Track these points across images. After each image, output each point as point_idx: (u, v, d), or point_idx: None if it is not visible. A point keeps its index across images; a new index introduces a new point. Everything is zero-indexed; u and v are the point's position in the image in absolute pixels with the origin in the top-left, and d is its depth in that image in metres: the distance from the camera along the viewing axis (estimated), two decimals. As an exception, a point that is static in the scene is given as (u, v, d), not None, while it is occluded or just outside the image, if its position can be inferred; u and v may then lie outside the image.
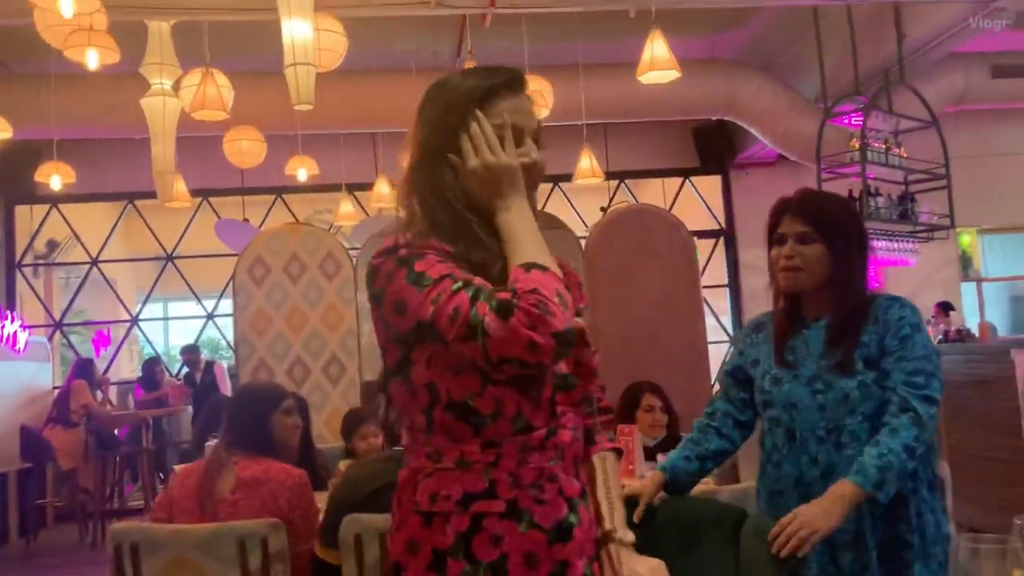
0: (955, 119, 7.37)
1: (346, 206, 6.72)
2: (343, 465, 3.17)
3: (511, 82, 1.30)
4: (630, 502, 1.71)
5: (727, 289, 9.03)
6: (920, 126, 6.38)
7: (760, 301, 8.89)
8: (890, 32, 5.99)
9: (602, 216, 6.55)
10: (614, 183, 8.86)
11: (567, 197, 8.73)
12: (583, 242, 5.36)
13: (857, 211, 1.99)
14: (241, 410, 2.52)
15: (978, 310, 9.24)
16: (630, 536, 1.34)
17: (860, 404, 1.79)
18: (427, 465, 1.23)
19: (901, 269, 6.93)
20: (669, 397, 3.48)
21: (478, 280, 1.16)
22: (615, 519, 1.34)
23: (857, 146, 6.08)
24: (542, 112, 4.93)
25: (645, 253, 4.96)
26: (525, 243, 1.20)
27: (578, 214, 8.67)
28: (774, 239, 1.89)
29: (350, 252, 5.24)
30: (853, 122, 6.40)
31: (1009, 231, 9.66)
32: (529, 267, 1.16)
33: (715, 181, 9.08)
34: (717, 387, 2.19)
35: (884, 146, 6.18)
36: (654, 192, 9.26)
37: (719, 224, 9.07)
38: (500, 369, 1.14)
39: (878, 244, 6.34)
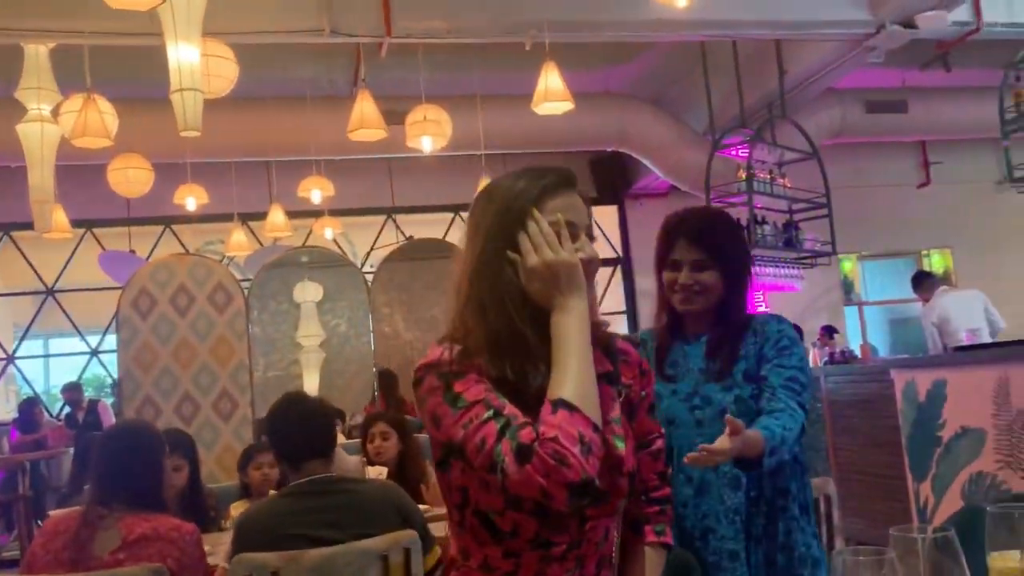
0: (834, 151, 7.77)
1: (238, 236, 6.56)
2: (235, 509, 3.05)
3: (562, 181, 1.29)
4: None
5: (624, 316, 9.21)
6: (802, 158, 6.69)
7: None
8: (772, 68, 6.29)
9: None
10: (514, 212, 8.93)
11: (467, 227, 8.75)
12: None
13: (741, 233, 2.02)
14: (124, 457, 2.24)
15: (860, 332, 9.70)
16: None
17: (741, 418, 1.77)
18: (458, 559, 1.29)
19: (787, 294, 7.22)
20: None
21: (509, 410, 1.16)
22: None
23: (744, 176, 6.32)
24: (439, 142, 4.95)
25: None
26: (569, 357, 1.18)
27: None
28: (668, 263, 1.89)
29: (242, 283, 5.09)
30: (740, 154, 6.68)
31: (886, 257, 10.22)
32: (557, 406, 1.14)
33: (612, 211, 9.29)
34: None
35: (769, 177, 6.45)
36: (553, 222, 9.37)
37: (616, 252, 9.27)
38: (517, 505, 1.17)
39: (765, 271, 6.59)
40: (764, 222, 6.45)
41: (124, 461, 2.23)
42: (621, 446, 1.26)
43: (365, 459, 3.32)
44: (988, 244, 9.88)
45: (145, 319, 4.66)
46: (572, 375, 1.16)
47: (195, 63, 3.46)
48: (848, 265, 10.07)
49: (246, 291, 4.90)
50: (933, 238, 10.04)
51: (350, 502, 2.25)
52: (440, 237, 8.10)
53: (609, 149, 7.93)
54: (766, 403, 1.77)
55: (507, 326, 1.21)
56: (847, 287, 10.05)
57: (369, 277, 7.48)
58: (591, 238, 1.29)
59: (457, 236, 8.16)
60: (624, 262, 9.27)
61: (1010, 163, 5.40)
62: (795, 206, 6.81)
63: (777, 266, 6.77)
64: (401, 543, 2.21)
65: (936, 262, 10.29)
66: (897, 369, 4.59)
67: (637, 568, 1.43)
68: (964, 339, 5.50)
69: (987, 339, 5.82)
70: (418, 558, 2.23)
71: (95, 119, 4.00)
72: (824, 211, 6.74)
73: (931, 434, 4.23)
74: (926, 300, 6.69)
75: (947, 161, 9.90)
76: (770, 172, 6.51)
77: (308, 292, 7.42)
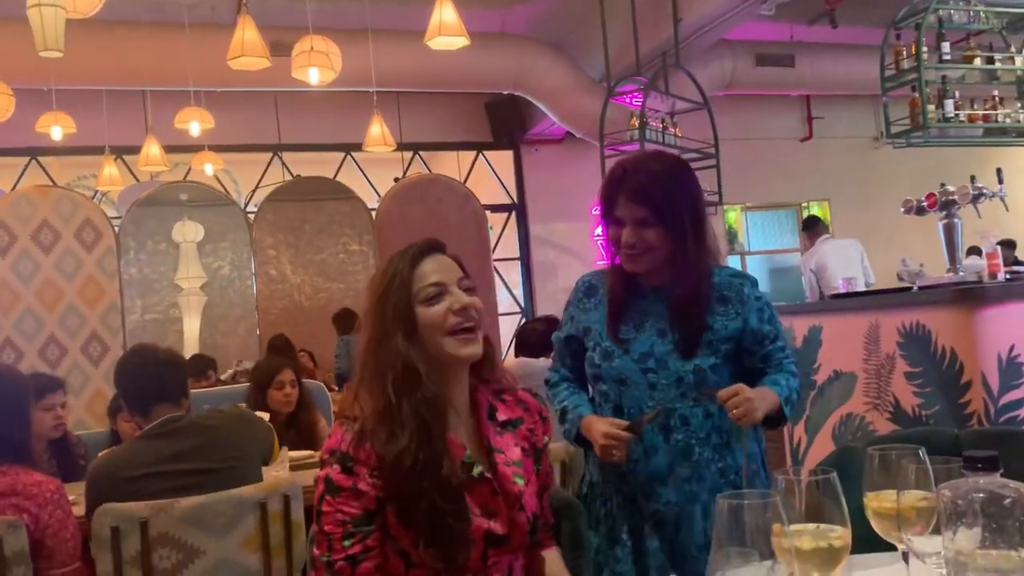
0: (724, 103, 7.91)
1: (110, 169, 6.14)
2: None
3: (427, 247, 1.43)
4: None
5: (519, 262, 9.22)
6: (693, 108, 6.76)
7: (550, 273, 9.22)
8: (668, 16, 6.29)
9: (393, 186, 6.43)
10: (408, 154, 8.76)
11: (360, 168, 8.53)
12: (374, 213, 5.21)
13: (695, 188, 1.87)
14: None
15: (743, 282, 10.01)
16: None
17: (693, 389, 1.73)
18: None
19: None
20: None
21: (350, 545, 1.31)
22: None
23: (637, 124, 6.34)
24: (328, 75, 4.73)
25: (436, 223, 4.92)
26: None
27: (372, 185, 8.49)
28: (610, 219, 1.79)
29: (113, 220, 4.78)
30: (633, 102, 6.69)
31: (769, 208, 10.56)
32: None
33: (507, 156, 9.21)
34: (547, 360, 2.16)
35: (661, 126, 6.49)
36: (449, 165, 9.25)
37: (511, 198, 9.22)
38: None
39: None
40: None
41: None
42: (520, 483, 1.40)
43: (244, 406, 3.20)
44: (863, 198, 10.35)
45: (3, 256, 4.32)
46: None
47: (55, -24, 3.16)
48: (733, 216, 10.36)
49: (116, 228, 4.58)
50: (813, 191, 10.42)
51: (205, 434, 2.18)
52: (330, 177, 7.85)
53: (505, 92, 7.81)
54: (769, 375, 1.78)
55: (387, 402, 1.34)
56: (731, 237, 10.35)
57: (253, 217, 7.17)
58: (468, 288, 1.42)
59: (347, 176, 7.97)
60: (519, 208, 9.23)
61: (888, 119, 5.59)
62: (685, 156, 6.89)
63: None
64: (280, 490, 2.13)
65: (815, 213, 10.71)
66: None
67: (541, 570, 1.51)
68: (840, 287, 5.74)
69: (862, 288, 6.10)
70: (298, 505, 2.16)
71: (-60, 34, 3.62)
72: (712, 162, 6.85)
73: (807, 378, 4.40)
74: (809, 245, 6.96)
75: (828, 117, 10.25)
76: (662, 121, 6.56)
77: (188, 232, 7.07)
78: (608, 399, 1.81)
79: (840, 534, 0.96)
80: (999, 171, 3.87)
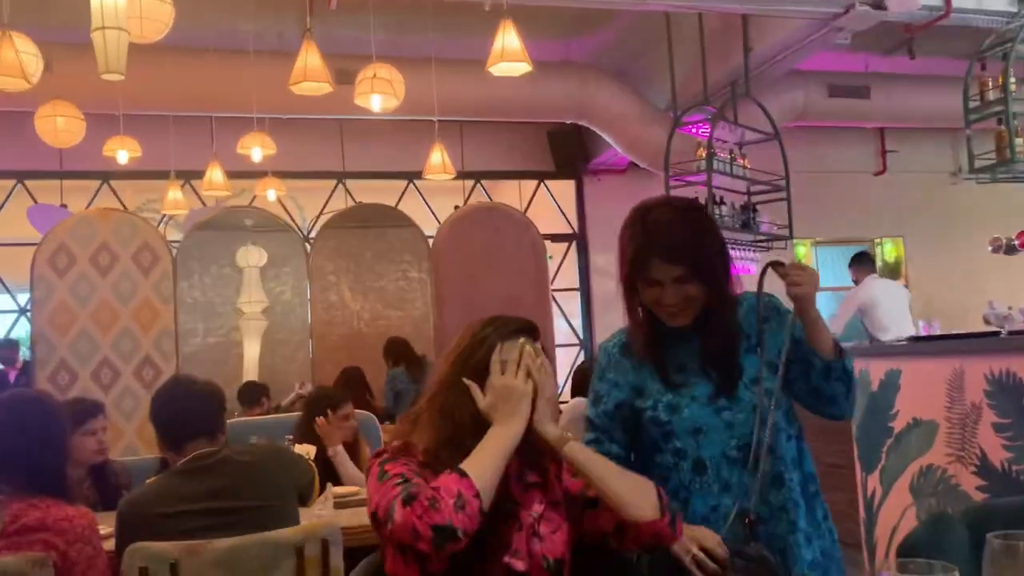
0: (794, 135, 7.66)
1: (175, 193, 6.20)
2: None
3: (524, 328, 1.57)
4: None
5: (578, 293, 9.06)
6: (763, 139, 6.56)
7: (610, 305, 9.02)
8: (738, 45, 6.12)
9: (451, 214, 6.37)
10: (470, 183, 8.72)
11: (422, 196, 8.51)
12: (431, 241, 5.14)
13: (718, 231, 1.80)
14: (13, 434, 1.97)
15: (813, 319, 9.67)
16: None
17: (768, 413, 1.65)
18: None
19: (741, 276, 7.12)
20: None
21: (418, 480, 1.39)
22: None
23: (704, 155, 6.17)
24: (390, 102, 4.69)
25: (494, 252, 4.81)
26: (484, 450, 1.42)
27: (433, 213, 8.46)
28: (643, 279, 1.69)
29: (172, 244, 4.79)
30: (700, 132, 6.51)
31: (840, 243, 10.21)
32: (452, 471, 1.37)
33: (569, 186, 9.10)
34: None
35: (729, 156, 6.31)
36: (510, 194, 9.18)
37: (572, 228, 9.09)
38: (401, 552, 1.38)
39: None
40: (722, 202, 6.32)
41: (13, 439, 1.96)
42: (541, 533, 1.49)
43: (292, 439, 3.11)
44: (939, 235, 9.93)
45: (62, 277, 4.35)
46: (478, 458, 1.40)
47: (120, 1, 3.17)
48: (802, 250, 10.03)
49: (174, 252, 4.58)
50: (887, 227, 10.05)
51: (239, 470, 2.07)
52: (392, 205, 7.83)
53: (568, 121, 7.72)
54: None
55: (451, 436, 1.46)
56: (800, 273, 10.02)
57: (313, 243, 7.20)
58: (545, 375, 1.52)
59: (410, 205, 7.96)
60: (579, 238, 9.09)
61: (971, 153, 5.32)
62: (754, 188, 6.68)
63: (733, 248, 6.65)
64: (319, 534, 2.01)
65: (888, 251, 10.32)
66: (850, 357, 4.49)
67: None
68: (889, 328, 5.45)
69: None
70: (337, 551, 2.03)
71: (11, 58, 3.67)
72: (782, 194, 6.63)
73: (883, 424, 4.14)
74: (857, 281, 6.69)
75: (903, 151, 9.90)
76: (730, 152, 6.37)
77: (251, 257, 7.11)
78: (684, 456, 1.69)
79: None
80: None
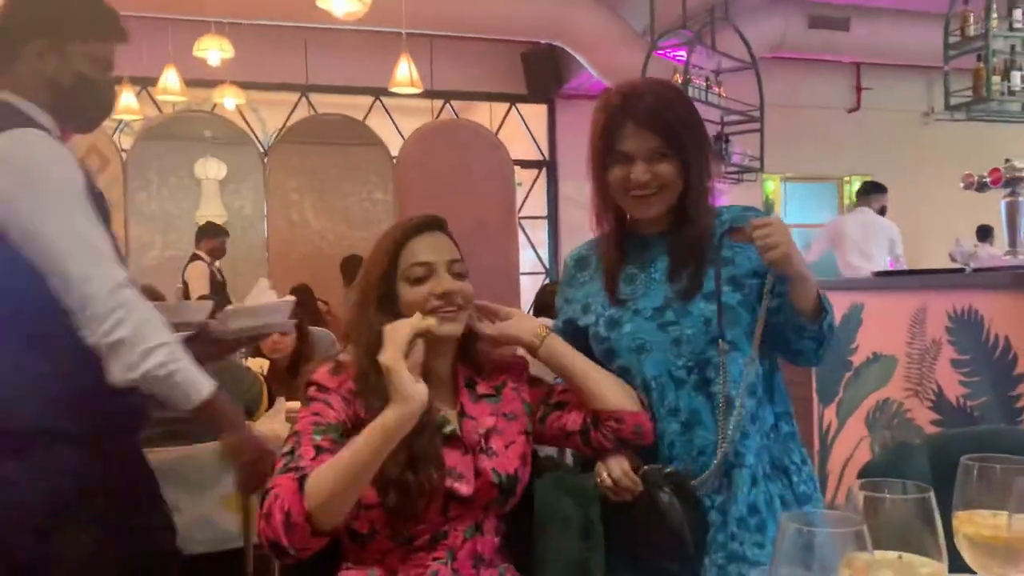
0: (771, 66, 7.53)
1: (128, 97, 5.89)
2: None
3: (424, 224, 1.42)
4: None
5: (546, 221, 8.97)
6: (740, 67, 6.44)
7: (577, 234, 8.94)
8: (719, -33, 5.95)
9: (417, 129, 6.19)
10: (439, 103, 8.49)
11: (390, 115, 8.28)
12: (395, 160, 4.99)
13: (695, 108, 1.58)
14: None
15: (778, 254, 9.71)
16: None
17: (726, 330, 1.47)
18: (343, 558, 1.38)
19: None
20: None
21: (302, 451, 1.27)
22: None
23: (680, 81, 6.04)
24: (354, 6, 4.48)
25: (460, 172, 4.68)
26: (340, 462, 1.22)
27: (400, 134, 8.25)
28: (614, 156, 1.51)
29: (123, 151, 4.59)
30: (677, 57, 6.37)
31: (809, 180, 10.20)
32: (294, 477, 1.23)
33: (541, 110, 8.91)
34: None
35: (705, 84, 6.19)
36: (481, 117, 8.95)
37: (542, 155, 8.94)
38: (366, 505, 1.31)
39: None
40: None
41: None
42: (491, 453, 1.40)
43: (245, 352, 3.03)
44: (909, 175, 9.94)
45: None
46: (334, 464, 1.21)
47: None
48: (771, 185, 10.00)
49: (123, 157, 4.38)
50: (857, 165, 10.02)
51: None
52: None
53: (543, 42, 7.50)
54: None
55: (361, 371, 1.34)
56: (768, 207, 10.01)
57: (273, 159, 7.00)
58: (459, 274, 1.39)
59: (376, 124, 7.74)
60: (550, 165, 8.96)
61: (948, 89, 5.25)
62: (727, 118, 6.59)
63: (703, 179, 6.57)
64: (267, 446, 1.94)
65: (857, 189, 10.33)
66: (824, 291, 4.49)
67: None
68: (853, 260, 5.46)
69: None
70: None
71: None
72: (756, 126, 6.55)
73: (843, 358, 4.15)
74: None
75: (877, 88, 9.82)
76: (706, 80, 6.25)
77: (210, 169, 6.92)
78: (628, 374, 1.52)
79: (934, 570, 0.74)
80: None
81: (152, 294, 2.14)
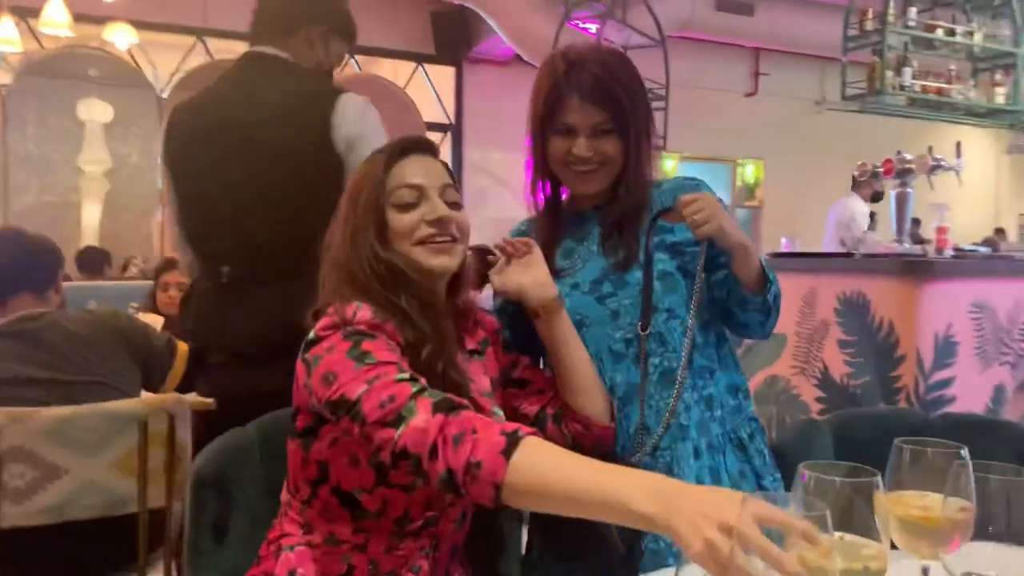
0: (675, 45, 7.64)
1: (6, 25, 5.43)
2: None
3: (412, 146, 1.27)
4: None
5: (448, 186, 8.87)
6: (648, 44, 6.51)
7: (481, 201, 8.91)
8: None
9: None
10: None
11: (289, 66, 7.96)
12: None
13: (640, 78, 1.49)
14: None
15: (673, 231, 9.96)
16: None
17: (663, 298, 1.42)
18: (296, 535, 1.21)
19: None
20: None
21: (424, 381, 1.06)
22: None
23: (590, 54, 6.05)
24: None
25: (368, 131, 4.54)
26: (552, 455, 0.98)
27: (300, 86, 7.95)
28: (556, 127, 1.45)
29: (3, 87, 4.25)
30: (588, 29, 6.38)
31: (705, 160, 10.47)
32: (502, 432, 0.97)
33: (448, 73, 8.78)
34: None
35: (615, 58, 6.22)
36: (385, 75, 8.76)
37: (448, 118, 8.83)
38: (396, 465, 1.02)
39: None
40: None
41: None
42: (500, 413, 1.27)
43: (138, 307, 2.87)
44: (798, 161, 10.34)
45: None
46: (540, 451, 0.96)
47: None
48: (669, 164, 10.21)
49: (5, 94, 4.06)
50: (750, 148, 10.35)
51: (66, 339, 1.87)
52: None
53: (455, 1, 7.37)
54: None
55: (383, 298, 1.17)
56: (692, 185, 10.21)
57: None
58: (452, 202, 1.25)
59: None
60: (455, 130, 8.85)
61: (844, 80, 5.45)
62: (635, 94, 6.65)
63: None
64: (165, 407, 1.85)
65: (749, 172, 10.67)
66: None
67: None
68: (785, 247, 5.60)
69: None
70: (184, 425, 1.88)
71: None
72: (661, 104, 6.64)
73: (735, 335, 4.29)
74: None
75: (774, 74, 10.14)
76: (616, 54, 6.29)
77: (95, 111, 6.52)
78: None
79: (875, 552, 0.75)
80: (958, 145, 3.76)
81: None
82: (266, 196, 1.74)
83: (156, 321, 2.74)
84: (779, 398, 4.03)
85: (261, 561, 1.24)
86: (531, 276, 1.35)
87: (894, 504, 0.86)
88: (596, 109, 1.42)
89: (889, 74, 5.23)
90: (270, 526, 1.33)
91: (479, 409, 1.17)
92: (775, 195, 10.58)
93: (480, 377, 1.28)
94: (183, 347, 2.00)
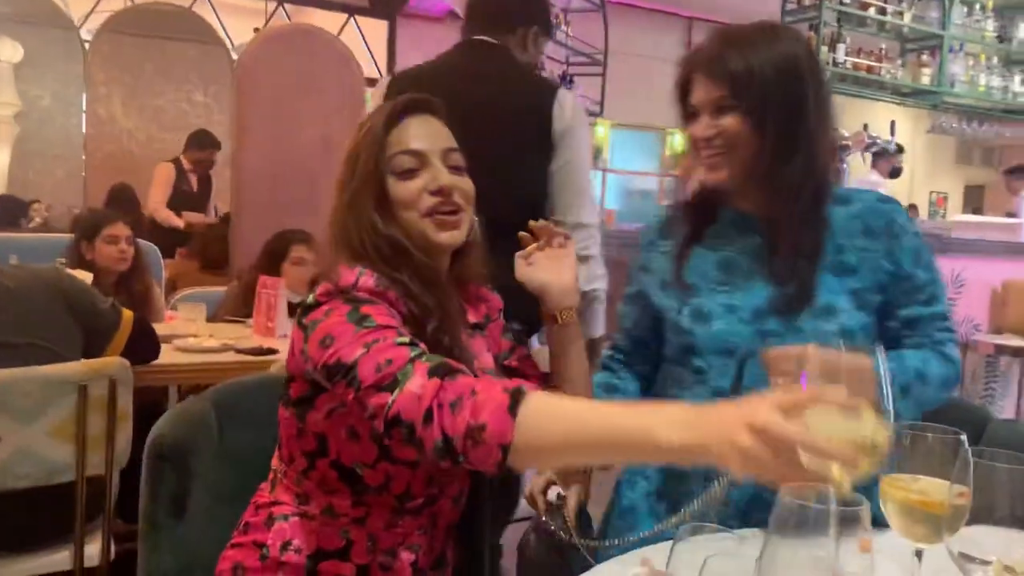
0: (613, 11, 7.61)
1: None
2: None
3: (410, 106, 1.18)
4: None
5: (379, 145, 8.70)
6: (588, 8, 6.46)
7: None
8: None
9: (257, 34, 5.76)
10: (272, 5, 7.93)
11: (216, 12, 7.62)
12: (234, 61, 4.62)
13: (794, 47, 1.22)
14: None
15: (601, 197, 10.05)
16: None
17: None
18: (291, 504, 1.16)
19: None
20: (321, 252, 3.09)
21: (424, 346, 1.01)
22: None
23: (530, 15, 5.97)
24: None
25: (308, 84, 4.37)
26: (564, 408, 0.92)
27: (227, 35, 7.63)
28: (687, 113, 1.28)
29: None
30: (529, -10, 6.28)
31: (636, 128, 10.54)
32: (505, 389, 0.91)
33: (381, 27, 8.54)
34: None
35: (555, 21, 6.15)
36: (317, 24, 8.47)
37: (379, 74, 8.61)
38: (390, 434, 0.96)
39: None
40: (542, 68, 6.19)
41: None
42: None
43: (65, 262, 2.72)
44: (726, 132, 10.48)
45: None
46: (553, 405, 0.91)
47: None
48: (601, 130, 10.24)
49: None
50: (678, 118, 10.42)
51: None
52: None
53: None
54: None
55: (384, 274, 1.10)
56: (596, 151, 10.25)
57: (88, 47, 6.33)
58: (455, 167, 1.17)
59: (209, 14, 7.12)
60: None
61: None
62: (574, 59, 6.61)
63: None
64: (106, 372, 1.75)
65: (679, 142, 10.78)
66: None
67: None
68: None
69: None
70: (127, 391, 1.79)
71: None
72: (599, 70, 6.62)
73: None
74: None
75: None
76: (556, 17, 6.21)
77: (3, 50, 6.13)
78: (704, 380, 1.25)
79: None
80: (893, 123, 3.87)
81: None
82: (480, 170, 1.70)
83: (86, 277, 2.60)
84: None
85: (249, 529, 1.19)
86: (558, 275, 1.26)
87: (890, 487, 0.87)
88: (714, 83, 1.22)
89: (824, 50, 5.32)
90: (232, 501, 1.28)
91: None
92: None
93: (483, 353, 1.24)
94: (128, 314, 1.90)
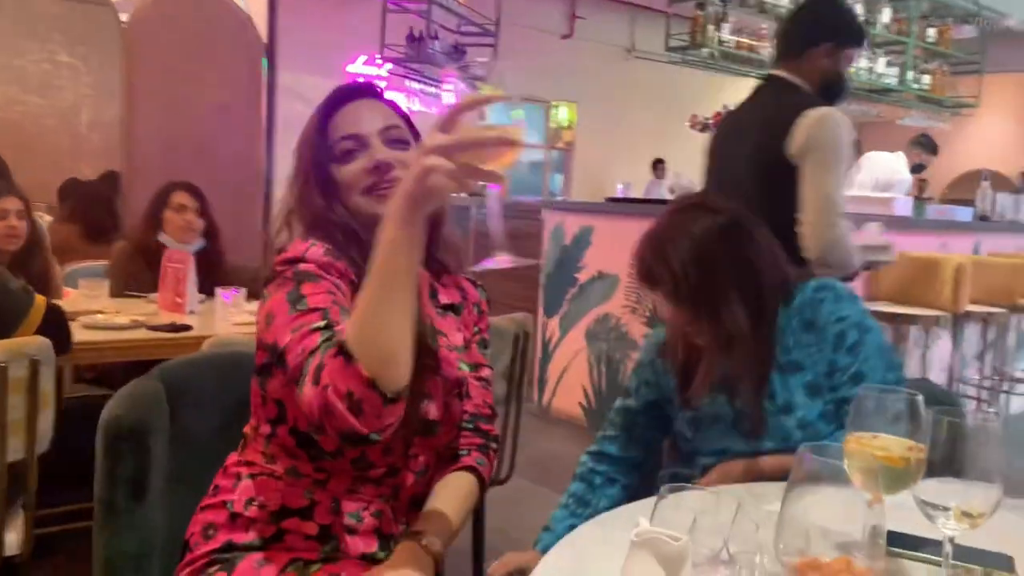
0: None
1: None
2: None
3: (347, 94, 1.22)
4: None
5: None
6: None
7: (293, 129, 8.48)
8: None
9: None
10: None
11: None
12: (123, 23, 4.36)
13: (729, 251, 1.36)
14: None
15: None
16: (437, 545, 1.13)
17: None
18: (259, 462, 1.18)
19: (421, 117, 7.07)
20: (213, 214, 2.96)
21: (342, 328, 1.00)
22: (430, 524, 1.16)
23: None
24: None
25: (202, 53, 4.19)
26: (363, 303, 0.95)
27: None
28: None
29: None
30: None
31: (523, 100, 10.57)
32: (339, 352, 0.95)
33: (262, -11, 8.23)
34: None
35: (449, -9, 6.12)
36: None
37: (260, 40, 8.29)
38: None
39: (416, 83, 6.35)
40: (436, 37, 6.16)
41: None
42: (465, 368, 1.23)
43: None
44: (610, 106, 10.72)
45: None
46: (360, 313, 0.95)
47: None
48: (487, 99, 10.24)
49: None
50: (565, 91, 10.57)
51: None
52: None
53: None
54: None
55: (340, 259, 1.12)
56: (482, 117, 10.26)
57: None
58: (396, 140, 1.20)
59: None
60: (268, 52, 8.33)
61: (668, 31, 5.70)
62: (465, 28, 6.59)
63: (425, 83, 6.56)
64: (26, 351, 1.67)
65: (563, 115, 10.93)
66: (548, 210, 4.73)
67: (439, 487, 1.23)
68: (619, 192, 5.77)
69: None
70: (49, 371, 1.71)
71: None
72: (491, 40, 6.63)
73: (569, 275, 4.46)
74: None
75: (589, 19, 10.39)
76: (449, -14, 6.19)
77: None
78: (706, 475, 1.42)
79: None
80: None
81: None
82: (737, 189, 2.10)
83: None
84: (609, 335, 4.25)
85: (219, 491, 1.19)
86: None
87: (854, 445, 0.96)
88: (647, 287, 1.41)
89: (710, 28, 5.52)
90: (188, 480, 1.26)
91: (442, 363, 1.18)
92: (586, 138, 10.93)
93: (453, 332, 1.25)
94: (41, 299, 1.79)
